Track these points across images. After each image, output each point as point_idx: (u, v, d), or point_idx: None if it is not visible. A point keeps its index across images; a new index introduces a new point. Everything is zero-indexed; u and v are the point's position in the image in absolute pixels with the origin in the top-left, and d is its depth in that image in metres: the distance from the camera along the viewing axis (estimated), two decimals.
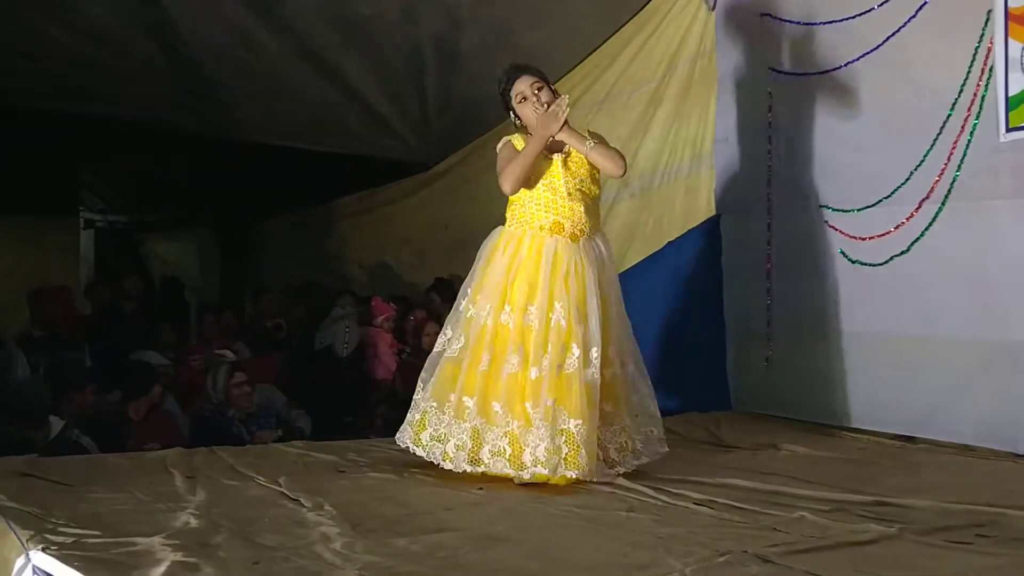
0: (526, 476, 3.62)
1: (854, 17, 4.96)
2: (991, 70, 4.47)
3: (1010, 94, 4.41)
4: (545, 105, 3.84)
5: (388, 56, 6.70)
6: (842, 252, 5.09)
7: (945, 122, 4.63)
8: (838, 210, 5.11)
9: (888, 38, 4.82)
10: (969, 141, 4.56)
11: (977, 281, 4.55)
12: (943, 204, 4.66)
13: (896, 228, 4.85)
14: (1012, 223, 4.43)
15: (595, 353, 3.71)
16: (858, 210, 5.01)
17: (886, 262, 4.90)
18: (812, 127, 5.23)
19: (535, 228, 3.83)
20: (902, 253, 4.83)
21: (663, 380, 5.72)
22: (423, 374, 3.91)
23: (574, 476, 3.60)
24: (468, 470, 3.67)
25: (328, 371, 6.49)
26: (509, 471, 3.63)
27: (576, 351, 3.68)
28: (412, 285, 8.12)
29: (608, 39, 6.22)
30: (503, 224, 3.97)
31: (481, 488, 3.64)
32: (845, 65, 5.03)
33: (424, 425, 3.82)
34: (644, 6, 6.01)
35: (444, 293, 7.02)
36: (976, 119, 4.53)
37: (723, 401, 5.62)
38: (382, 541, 2.89)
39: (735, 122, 5.64)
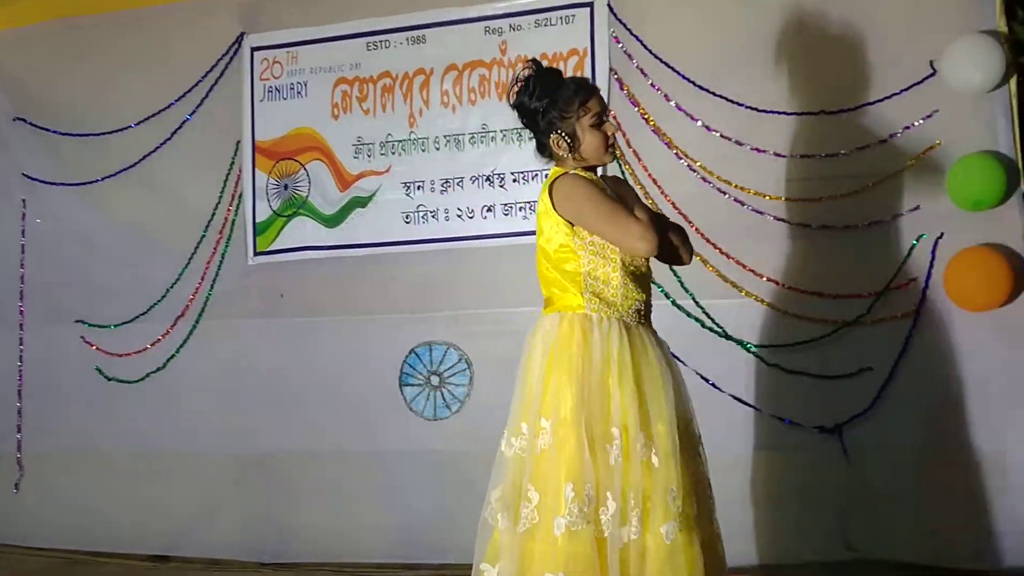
0: None
1: (112, 132, 4.78)
2: (240, 196, 4.63)
3: (257, 220, 4.61)
4: (614, 144, 2.71)
5: None
6: (98, 369, 4.80)
7: (199, 243, 4.67)
8: (95, 326, 4.82)
9: (145, 157, 4.75)
10: (221, 262, 4.65)
11: (229, 396, 4.59)
12: (197, 321, 4.66)
13: (153, 344, 4.72)
14: (259, 340, 4.57)
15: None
16: (115, 326, 4.79)
17: (143, 379, 4.73)
18: (70, 239, 4.91)
19: (629, 313, 2.58)
20: (158, 369, 4.71)
21: None
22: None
23: None
24: None
25: None
26: None
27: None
28: None
29: None
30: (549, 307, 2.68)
31: None
32: (103, 179, 4.82)
33: None
34: None
35: None
36: (227, 242, 4.64)
37: None
38: None
39: None
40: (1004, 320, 3.73)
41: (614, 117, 4.22)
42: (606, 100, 2.66)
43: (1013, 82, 3.77)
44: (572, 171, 2.63)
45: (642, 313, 2.60)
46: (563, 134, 2.62)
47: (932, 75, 3.83)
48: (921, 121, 3.86)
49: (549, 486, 2.40)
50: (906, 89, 3.86)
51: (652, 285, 2.70)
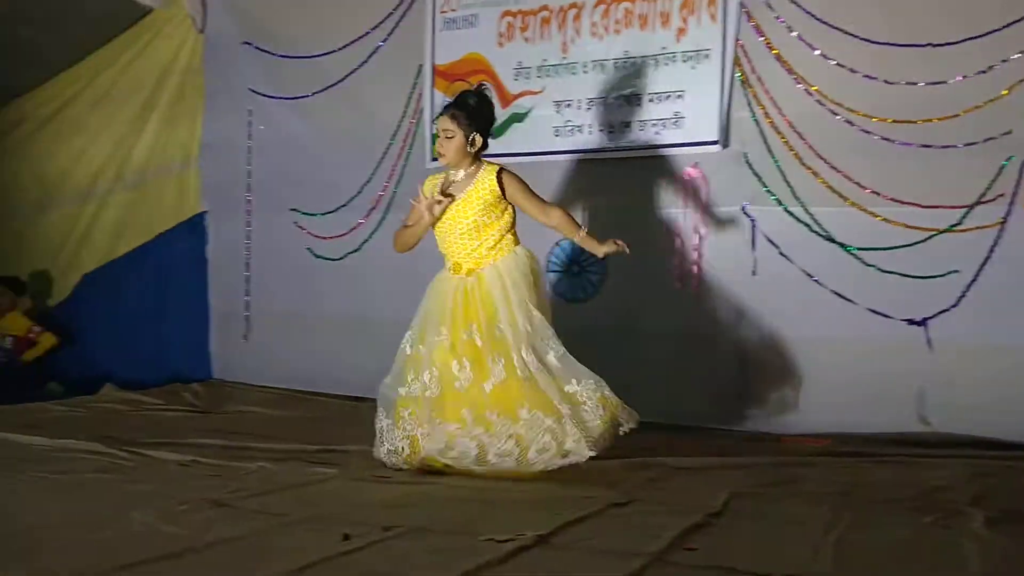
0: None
1: (321, 55, 5.35)
2: (421, 111, 5.12)
3: (433, 132, 5.06)
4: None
5: None
6: (309, 249, 5.46)
7: (387, 148, 5.20)
8: (305, 213, 5.47)
9: (347, 76, 5.27)
10: (404, 165, 5.16)
11: (407, 275, 5.07)
12: (385, 214, 5.22)
13: (350, 231, 5.32)
14: None
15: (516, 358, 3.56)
16: (321, 214, 5.42)
17: (342, 258, 5.36)
18: (286, 142, 5.54)
19: (445, 269, 3.84)
20: (354, 251, 5.32)
21: (151, 356, 5.71)
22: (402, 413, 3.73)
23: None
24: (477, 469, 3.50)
25: None
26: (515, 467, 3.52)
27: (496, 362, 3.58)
28: None
29: (104, 45, 5.97)
30: None
31: None
32: (313, 94, 5.40)
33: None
34: (140, 19, 5.88)
35: None
36: (410, 148, 5.15)
37: (205, 372, 5.73)
38: None
39: (221, 132, 5.76)
40: None
41: (741, 47, 4.46)
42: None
43: None
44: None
45: (456, 267, 3.73)
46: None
47: None
48: (1020, 55, 3.93)
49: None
50: (998, 30, 3.93)
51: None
